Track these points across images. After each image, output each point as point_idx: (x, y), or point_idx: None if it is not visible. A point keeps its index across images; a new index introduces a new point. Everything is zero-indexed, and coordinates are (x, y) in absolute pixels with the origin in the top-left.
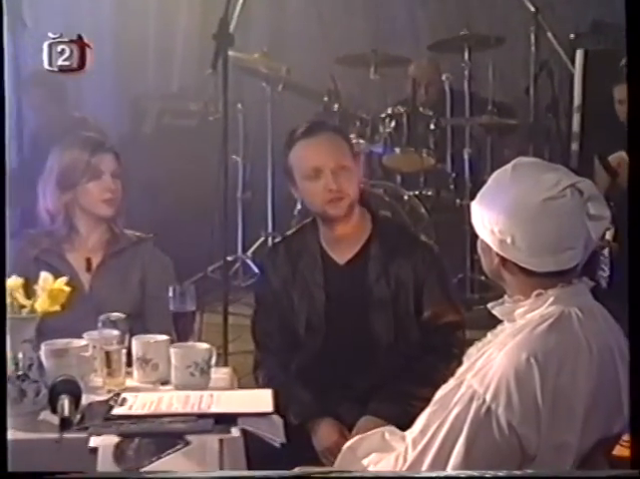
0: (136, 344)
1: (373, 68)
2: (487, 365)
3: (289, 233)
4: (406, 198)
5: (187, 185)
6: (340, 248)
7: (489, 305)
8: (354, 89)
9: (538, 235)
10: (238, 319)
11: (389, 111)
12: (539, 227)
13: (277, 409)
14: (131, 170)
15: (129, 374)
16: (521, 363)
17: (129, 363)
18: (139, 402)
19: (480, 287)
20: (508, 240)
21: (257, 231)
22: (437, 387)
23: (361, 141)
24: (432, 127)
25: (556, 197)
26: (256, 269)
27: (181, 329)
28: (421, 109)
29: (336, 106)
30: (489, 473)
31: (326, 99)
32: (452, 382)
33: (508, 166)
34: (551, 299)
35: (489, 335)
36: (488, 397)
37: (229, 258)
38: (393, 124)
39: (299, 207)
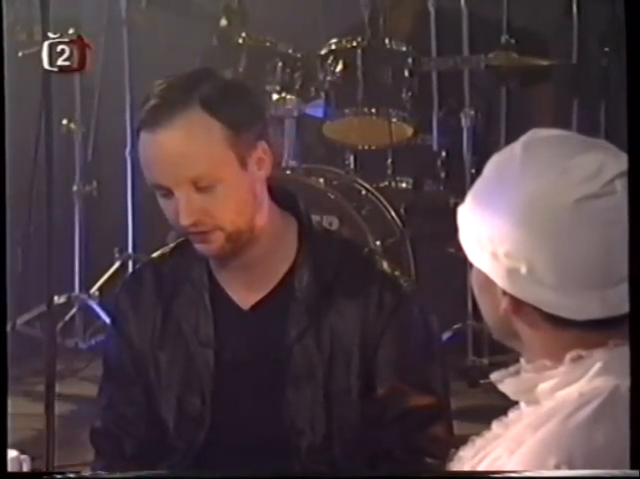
0: None
1: None
2: None
3: (160, 252)
4: (363, 193)
5: None
6: (244, 284)
7: (494, 376)
8: (272, 6)
9: (572, 258)
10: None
11: (332, 45)
12: (573, 245)
13: None
14: None
15: None
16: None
17: None
18: None
19: (493, 346)
20: (523, 270)
21: (108, 250)
22: None
23: (287, 96)
24: (406, 73)
25: (599, 194)
26: (107, 318)
27: None
28: (387, 42)
29: (242, 35)
30: (489, 473)
31: (224, 23)
32: None
33: (517, 144)
34: (598, 367)
35: (495, 427)
36: None
37: (58, 300)
38: (339, 67)
39: None
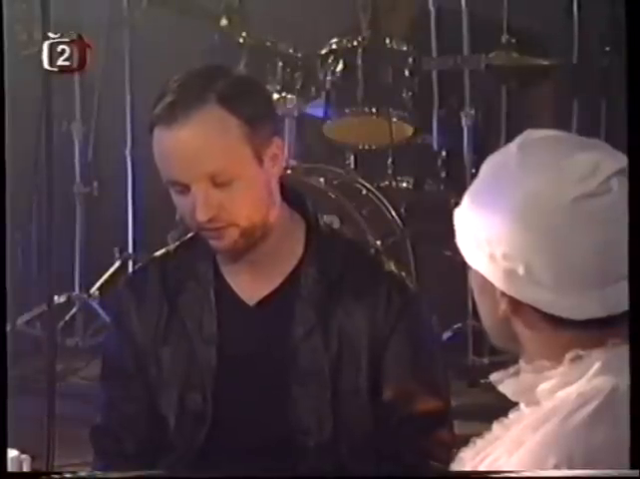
0: None
1: None
2: None
3: (164, 250)
4: (364, 192)
5: None
6: (250, 280)
7: (494, 377)
8: (272, 6)
9: (569, 257)
10: (76, 407)
11: (333, 45)
12: (570, 244)
13: None
14: None
15: None
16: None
17: None
18: None
19: (493, 346)
20: (521, 271)
21: (108, 250)
22: None
23: (287, 96)
24: (407, 72)
25: (595, 193)
26: (107, 318)
27: None
28: (387, 41)
29: (242, 35)
30: (489, 472)
31: (225, 22)
32: None
33: (513, 145)
34: (597, 366)
35: (496, 428)
36: None
37: (58, 300)
38: (340, 67)
39: None
